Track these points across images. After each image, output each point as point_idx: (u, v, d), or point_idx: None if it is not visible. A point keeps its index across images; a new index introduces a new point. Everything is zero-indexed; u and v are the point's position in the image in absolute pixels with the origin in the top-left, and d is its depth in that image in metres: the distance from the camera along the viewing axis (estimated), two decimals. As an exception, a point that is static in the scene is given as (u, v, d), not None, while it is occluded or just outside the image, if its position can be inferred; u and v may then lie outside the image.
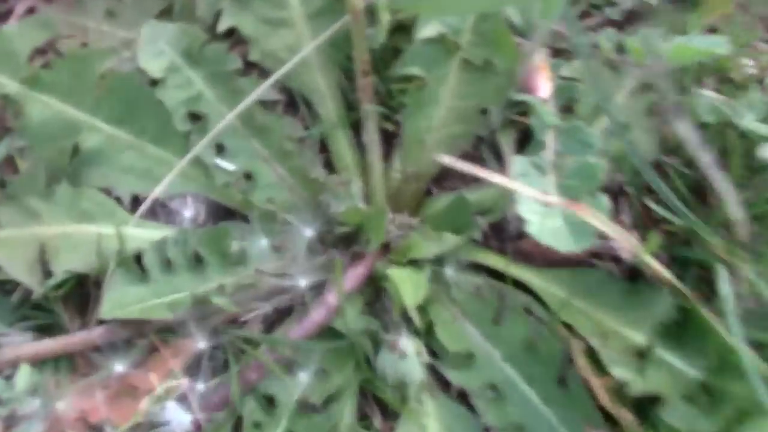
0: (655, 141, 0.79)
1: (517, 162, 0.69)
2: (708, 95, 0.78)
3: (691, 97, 0.78)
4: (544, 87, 0.75)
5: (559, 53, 0.84)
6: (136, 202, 0.77)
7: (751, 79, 0.83)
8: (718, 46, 0.75)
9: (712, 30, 0.84)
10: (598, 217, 0.65)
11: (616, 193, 0.78)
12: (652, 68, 0.78)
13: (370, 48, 0.74)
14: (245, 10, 0.81)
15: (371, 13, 0.77)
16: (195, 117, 0.78)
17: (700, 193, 0.78)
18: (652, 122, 0.80)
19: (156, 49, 0.78)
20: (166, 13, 0.85)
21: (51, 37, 0.81)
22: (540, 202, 0.67)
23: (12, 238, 0.74)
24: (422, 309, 0.73)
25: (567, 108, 0.78)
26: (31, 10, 0.88)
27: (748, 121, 0.76)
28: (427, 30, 0.78)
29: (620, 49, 0.81)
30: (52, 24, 0.81)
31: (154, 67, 0.78)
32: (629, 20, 0.88)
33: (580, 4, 0.89)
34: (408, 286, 0.71)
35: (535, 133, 0.73)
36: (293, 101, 0.82)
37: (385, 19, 0.75)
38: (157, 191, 0.75)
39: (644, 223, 0.76)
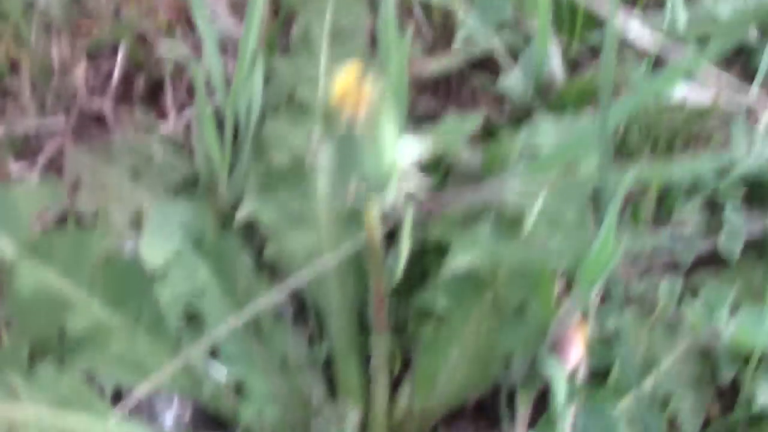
0: (699, 419, 0.71)
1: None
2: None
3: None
4: (574, 353, 0.67)
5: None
6: (119, 393, 0.72)
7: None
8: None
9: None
10: None
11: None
12: (710, 340, 0.70)
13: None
14: (269, 199, 0.75)
15: (392, 236, 0.69)
16: (192, 313, 0.73)
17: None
18: (701, 396, 0.72)
19: (163, 232, 0.73)
20: (190, 182, 0.80)
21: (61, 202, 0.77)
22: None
23: (-17, 412, 0.70)
24: None
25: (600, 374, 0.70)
26: (60, 151, 0.85)
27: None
28: (458, 261, 0.70)
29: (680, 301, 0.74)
30: (59, 192, 0.77)
31: (157, 255, 0.72)
32: (701, 264, 0.79)
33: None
34: None
35: (551, 406, 0.65)
36: (302, 307, 0.75)
37: (406, 250, 0.68)
38: (142, 390, 0.70)
39: None
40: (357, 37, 0.78)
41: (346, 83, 0.48)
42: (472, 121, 0.69)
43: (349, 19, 0.79)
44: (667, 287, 0.74)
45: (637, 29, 0.71)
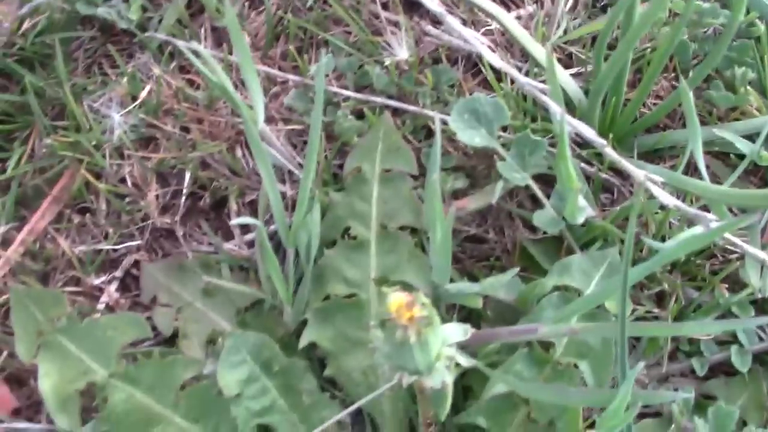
0: None
1: None
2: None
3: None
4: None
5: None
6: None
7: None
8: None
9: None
10: None
11: None
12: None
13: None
14: (327, 324, 0.84)
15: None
16: (265, 428, 0.83)
17: None
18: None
19: (237, 358, 0.83)
20: (257, 305, 0.89)
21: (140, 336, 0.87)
22: None
23: None
24: None
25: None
26: (136, 264, 0.95)
27: None
28: (498, 388, 0.80)
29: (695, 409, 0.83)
30: (143, 324, 0.86)
31: (232, 379, 0.82)
32: (713, 371, 0.88)
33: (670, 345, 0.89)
34: None
35: None
36: (360, 414, 0.85)
37: (450, 391, 0.78)
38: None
39: None
40: (404, 179, 0.87)
41: (399, 303, 0.58)
42: (509, 274, 0.78)
43: (397, 162, 0.88)
44: (681, 401, 0.83)
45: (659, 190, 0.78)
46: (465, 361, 0.65)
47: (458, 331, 0.65)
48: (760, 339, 0.87)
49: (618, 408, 0.66)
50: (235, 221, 0.77)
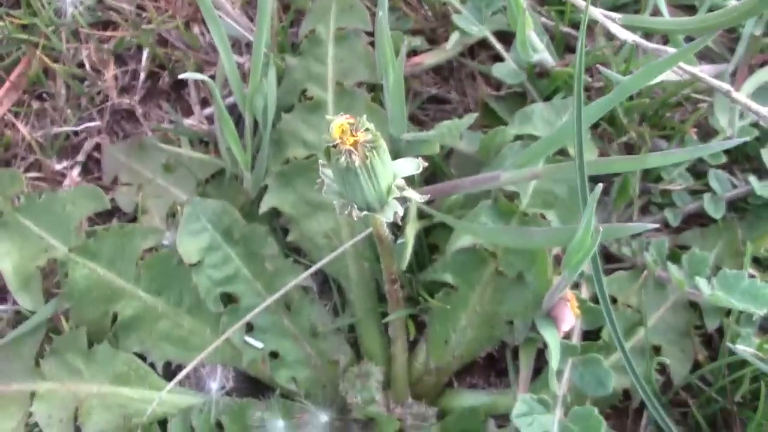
0: (687, 364, 0.79)
1: (521, 402, 0.70)
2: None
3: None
4: (568, 319, 0.75)
5: (611, 259, 0.84)
6: (168, 367, 0.82)
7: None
8: (760, 303, 0.73)
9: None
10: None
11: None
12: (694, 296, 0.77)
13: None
14: (288, 189, 0.83)
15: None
16: (229, 296, 0.82)
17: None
18: (688, 344, 0.80)
19: (197, 226, 0.81)
20: (218, 176, 0.88)
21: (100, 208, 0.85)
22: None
23: (52, 392, 0.80)
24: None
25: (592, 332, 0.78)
26: (97, 147, 0.93)
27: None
28: (463, 241, 0.78)
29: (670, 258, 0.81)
30: (101, 196, 0.84)
31: (192, 248, 0.80)
32: (688, 223, 0.86)
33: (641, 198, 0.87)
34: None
35: (549, 364, 0.73)
36: (325, 282, 0.84)
37: (410, 245, 0.76)
38: (191, 367, 0.79)
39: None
40: (358, 36, 0.85)
41: (343, 126, 0.55)
42: (467, 120, 0.76)
43: (351, 20, 0.85)
44: (654, 248, 0.81)
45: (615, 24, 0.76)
46: (418, 197, 0.62)
47: (410, 165, 0.62)
48: (734, 187, 0.84)
49: (582, 239, 0.64)
50: (185, 75, 0.75)
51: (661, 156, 0.71)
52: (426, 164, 0.59)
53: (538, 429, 0.70)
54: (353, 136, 0.56)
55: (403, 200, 0.60)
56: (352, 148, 0.54)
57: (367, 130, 0.57)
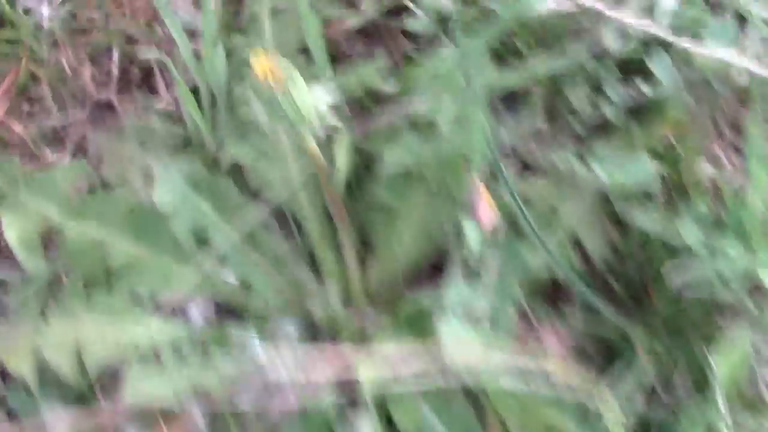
0: (603, 246, 0.91)
1: (452, 289, 0.82)
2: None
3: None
4: (487, 215, 0.88)
5: (527, 168, 0.96)
6: (157, 306, 0.95)
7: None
8: (642, 176, 0.86)
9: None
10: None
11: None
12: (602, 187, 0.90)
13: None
14: (243, 143, 0.97)
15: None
16: (202, 239, 0.95)
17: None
18: (603, 228, 0.92)
19: (170, 184, 0.95)
20: (187, 142, 1.02)
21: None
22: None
23: (57, 334, 0.93)
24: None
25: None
26: (82, 138, 1.08)
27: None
28: (389, 164, 0.92)
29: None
30: (89, 170, 0.99)
31: (167, 201, 0.94)
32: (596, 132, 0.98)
33: (552, 112, 1.00)
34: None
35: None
36: (284, 219, 0.98)
37: (344, 165, 0.90)
38: (175, 300, 0.92)
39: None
40: (291, 13, 1.00)
41: (263, 64, 0.70)
42: (379, 60, 0.91)
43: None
44: (561, 157, 0.94)
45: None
46: (338, 123, 0.76)
47: (327, 93, 0.76)
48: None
49: (476, 139, 0.77)
50: (146, 53, 0.91)
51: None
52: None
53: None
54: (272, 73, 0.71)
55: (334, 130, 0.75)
56: (273, 83, 0.69)
57: (285, 67, 0.72)
